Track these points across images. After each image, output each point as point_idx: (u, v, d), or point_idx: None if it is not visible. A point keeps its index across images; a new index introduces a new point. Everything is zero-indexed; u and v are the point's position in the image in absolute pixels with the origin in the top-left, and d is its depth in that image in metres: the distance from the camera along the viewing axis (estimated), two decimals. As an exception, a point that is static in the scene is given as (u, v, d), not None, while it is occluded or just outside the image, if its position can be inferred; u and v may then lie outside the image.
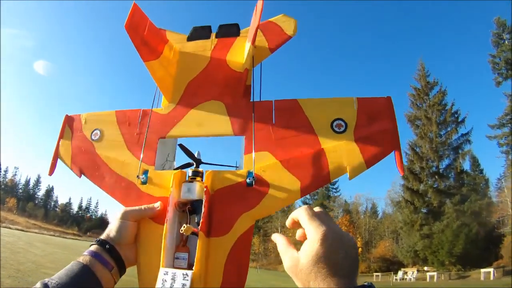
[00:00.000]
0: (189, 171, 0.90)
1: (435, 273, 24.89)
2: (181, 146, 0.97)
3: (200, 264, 0.76)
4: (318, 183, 0.83)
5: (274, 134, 0.89)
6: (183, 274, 0.73)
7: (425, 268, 28.12)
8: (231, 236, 0.81)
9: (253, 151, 0.87)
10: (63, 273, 0.71)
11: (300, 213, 0.60)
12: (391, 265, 33.97)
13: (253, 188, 0.84)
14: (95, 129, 1.06)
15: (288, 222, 0.64)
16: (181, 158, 1.02)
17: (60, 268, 0.74)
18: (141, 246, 0.84)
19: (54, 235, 46.92)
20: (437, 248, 26.73)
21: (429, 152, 30.53)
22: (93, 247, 0.79)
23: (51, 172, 1.07)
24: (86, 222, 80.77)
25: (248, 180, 0.84)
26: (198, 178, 0.88)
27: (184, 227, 0.77)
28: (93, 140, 1.04)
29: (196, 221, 0.83)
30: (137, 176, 0.92)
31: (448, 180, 29.79)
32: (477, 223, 25.44)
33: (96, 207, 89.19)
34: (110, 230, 0.82)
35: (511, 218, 24.48)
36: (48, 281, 0.67)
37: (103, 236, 0.82)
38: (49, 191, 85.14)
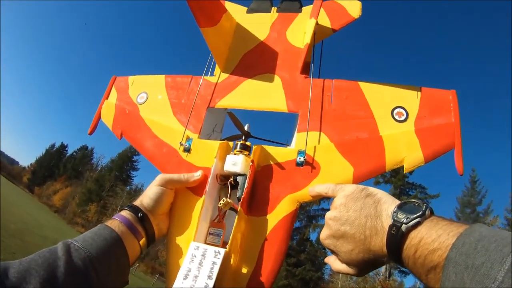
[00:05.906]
0: (237, 144, 0.84)
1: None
2: (230, 114, 0.92)
3: (235, 243, 0.69)
4: (373, 172, 0.76)
5: (330, 115, 0.83)
6: (215, 252, 0.65)
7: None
8: (273, 218, 0.74)
9: (307, 129, 0.81)
10: (89, 236, 0.64)
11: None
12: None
13: (303, 169, 0.77)
14: (141, 92, 1.03)
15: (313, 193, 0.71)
16: (229, 132, 0.98)
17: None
18: (175, 217, 0.79)
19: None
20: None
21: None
22: (125, 213, 0.72)
23: (91, 131, 1.05)
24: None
25: (298, 160, 0.78)
26: (245, 152, 0.82)
27: (223, 200, 0.71)
28: (138, 103, 1.02)
29: (237, 196, 0.77)
30: (180, 143, 0.88)
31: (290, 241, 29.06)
32: (302, 290, 25.45)
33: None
34: (145, 196, 0.75)
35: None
36: (71, 242, 0.61)
37: (136, 202, 0.75)
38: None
